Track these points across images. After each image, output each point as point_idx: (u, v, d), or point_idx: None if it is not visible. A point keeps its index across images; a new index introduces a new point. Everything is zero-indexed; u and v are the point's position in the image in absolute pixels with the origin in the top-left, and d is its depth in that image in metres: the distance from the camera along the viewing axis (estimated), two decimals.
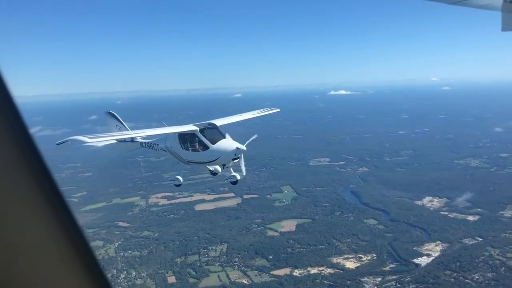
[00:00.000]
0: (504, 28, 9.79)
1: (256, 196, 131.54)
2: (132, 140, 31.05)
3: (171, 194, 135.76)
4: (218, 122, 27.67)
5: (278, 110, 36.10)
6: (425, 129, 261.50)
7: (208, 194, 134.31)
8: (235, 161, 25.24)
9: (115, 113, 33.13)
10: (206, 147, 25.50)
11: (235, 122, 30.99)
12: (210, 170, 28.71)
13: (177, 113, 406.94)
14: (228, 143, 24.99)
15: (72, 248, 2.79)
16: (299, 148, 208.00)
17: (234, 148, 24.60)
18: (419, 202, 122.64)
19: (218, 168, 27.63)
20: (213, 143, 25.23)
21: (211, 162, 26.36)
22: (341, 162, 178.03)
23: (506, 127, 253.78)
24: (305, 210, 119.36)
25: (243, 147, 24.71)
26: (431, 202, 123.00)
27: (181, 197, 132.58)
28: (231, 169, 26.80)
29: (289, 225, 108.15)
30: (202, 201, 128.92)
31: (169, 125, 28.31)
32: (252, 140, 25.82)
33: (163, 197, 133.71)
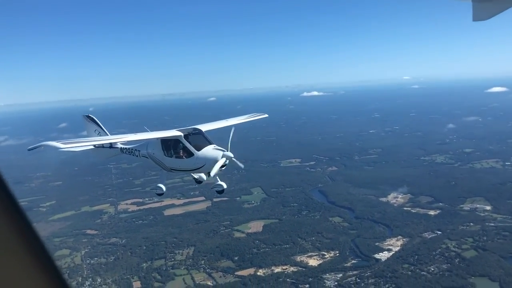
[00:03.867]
0: (475, 18, 9.94)
1: (226, 199, 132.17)
2: (111, 146, 28.90)
3: (141, 200, 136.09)
4: (204, 127, 26.18)
5: (266, 115, 34.26)
6: (395, 127, 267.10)
7: (178, 199, 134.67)
8: (222, 168, 23.61)
9: (94, 117, 31.05)
10: (190, 154, 24.08)
11: (221, 128, 28.95)
12: (194, 178, 27.43)
13: (152, 119, 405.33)
14: (214, 152, 23.57)
15: (28, 251, 2.83)
16: (272, 150, 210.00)
17: (221, 155, 23.17)
18: (384, 199, 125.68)
19: (203, 176, 26.15)
20: (198, 149, 23.85)
21: (195, 170, 24.87)
22: (311, 162, 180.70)
23: (473, 123, 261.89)
24: (273, 210, 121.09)
25: (230, 153, 23.35)
26: (395, 198, 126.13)
27: (151, 203, 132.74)
28: (217, 177, 25.13)
29: (256, 226, 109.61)
30: (172, 205, 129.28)
31: (141, 131, 26.15)
32: (232, 136, 24.53)
33: (132, 203, 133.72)
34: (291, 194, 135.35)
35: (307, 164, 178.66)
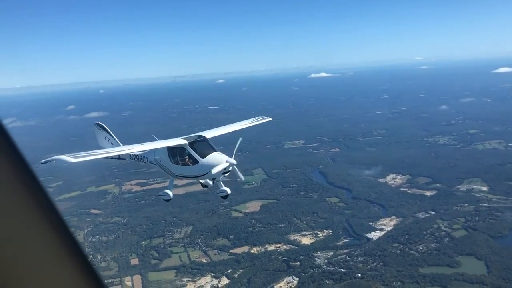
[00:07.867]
0: None
1: (227, 180, 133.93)
2: (119, 157, 29.69)
3: (145, 180, 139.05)
4: (208, 134, 27.18)
5: (269, 119, 35.04)
6: (403, 108, 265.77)
7: (181, 179, 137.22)
8: (225, 175, 24.72)
9: (104, 125, 32.53)
10: (195, 161, 24.90)
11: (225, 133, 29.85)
12: (201, 183, 28.60)
13: (162, 101, 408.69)
14: (218, 157, 24.30)
15: (61, 246, 2.84)
16: (277, 132, 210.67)
17: (224, 160, 23.96)
18: (382, 180, 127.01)
19: (209, 181, 27.22)
20: (203, 157, 24.59)
21: (201, 177, 25.87)
22: (315, 144, 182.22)
23: (480, 104, 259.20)
24: (272, 191, 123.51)
25: (233, 160, 24.20)
26: (394, 179, 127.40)
27: (155, 183, 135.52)
28: (221, 183, 26.30)
29: (254, 206, 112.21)
30: (174, 186, 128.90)
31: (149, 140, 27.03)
32: (239, 144, 25.33)
33: (137, 184, 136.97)
34: (291, 175, 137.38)
35: (310, 145, 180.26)
